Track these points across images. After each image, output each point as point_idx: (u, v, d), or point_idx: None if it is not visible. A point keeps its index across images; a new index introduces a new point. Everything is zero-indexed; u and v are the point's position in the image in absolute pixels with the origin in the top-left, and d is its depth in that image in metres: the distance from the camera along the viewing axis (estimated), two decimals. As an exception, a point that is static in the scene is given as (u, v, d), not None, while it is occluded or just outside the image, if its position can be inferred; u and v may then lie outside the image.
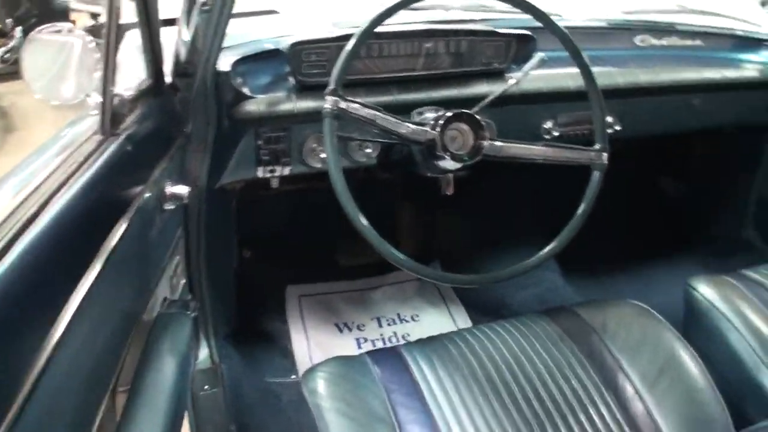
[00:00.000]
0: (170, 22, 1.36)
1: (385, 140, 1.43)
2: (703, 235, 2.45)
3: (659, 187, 2.65)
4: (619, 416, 1.21)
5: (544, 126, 1.64)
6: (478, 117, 1.28)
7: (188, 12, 1.33)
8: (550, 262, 1.97)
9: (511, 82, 1.43)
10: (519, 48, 1.59)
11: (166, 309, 1.27)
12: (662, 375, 1.26)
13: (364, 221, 1.17)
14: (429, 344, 1.34)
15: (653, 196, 2.64)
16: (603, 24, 1.88)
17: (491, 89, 1.46)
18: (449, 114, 1.27)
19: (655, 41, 1.91)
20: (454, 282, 1.34)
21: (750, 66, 2.04)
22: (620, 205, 2.43)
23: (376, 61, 1.51)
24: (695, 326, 1.53)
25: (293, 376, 1.88)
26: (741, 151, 2.30)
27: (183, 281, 1.50)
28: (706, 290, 1.52)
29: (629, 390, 1.24)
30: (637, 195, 2.57)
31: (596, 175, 1.33)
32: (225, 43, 1.31)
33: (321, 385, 1.23)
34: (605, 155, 1.34)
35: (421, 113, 1.41)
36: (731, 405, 1.25)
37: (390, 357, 1.32)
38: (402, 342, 2.01)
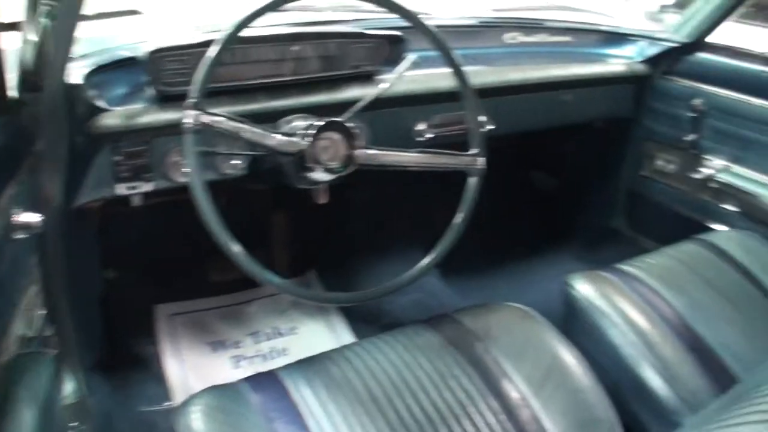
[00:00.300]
0: (12, 26, 1.26)
1: (253, 153, 1.39)
2: (578, 229, 2.53)
3: (533, 183, 2.73)
4: (506, 423, 1.21)
5: (418, 128, 1.64)
6: (349, 126, 1.26)
7: (31, 14, 1.22)
8: None
9: (383, 85, 1.41)
10: (390, 50, 1.57)
11: (22, 349, 1.18)
12: (547, 378, 1.27)
13: (232, 245, 1.13)
14: (309, 365, 1.30)
15: (528, 192, 2.71)
16: (473, 22, 1.90)
17: (363, 93, 1.44)
18: (319, 123, 1.24)
19: (524, 38, 1.95)
20: (332, 302, 1.32)
21: (616, 60, 2.13)
22: (497, 203, 2.48)
23: (242, 67, 1.45)
24: (576, 324, 1.55)
25: (168, 403, 1.79)
26: (610, 144, 2.39)
27: (42, 313, 1.40)
28: (583, 287, 1.55)
29: (515, 396, 1.25)
30: (512, 192, 2.63)
31: (473, 181, 1.34)
32: (78, 50, 1.23)
33: (195, 420, 1.16)
34: (481, 160, 1.35)
35: (289, 122, 1.37)
36: (616, 401, 1.28)
37: (269, 383, 1.27)
38: (281, 356, 1.97)
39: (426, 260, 1.31)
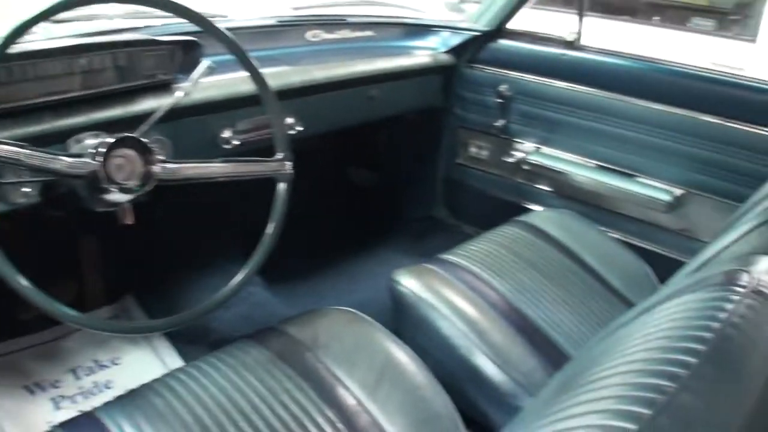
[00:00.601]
0: None
1: (41, 179, 1.29)
2: (401, 222, 2.57)
3: (352, 180, 2.75)
4: None
5: (223, 136, 1.60)
6: (144, 140, 1.19)
7: None
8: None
9: (179, 94, 1.36)
10: (184, 56, 1.51)
11: None
12: (382, 380, 1.27)
13: (20, 279, 1.05)
14: (131, 401, 1.22)
15: (348, 190, 2.73)
16: (272, 22, 1.88)
17: (159, 104, 1.37)
18: (110, 140, 1.17)
19: (327, 35, 1.95)
20: (142, 331, 1.26)
21: (421, 52, 2.18)
22: (317, 204, 2.48)
23: (23, 85, 1.33)
24: (406, 321, 1.57)
25: None
26: (424, 135, 2.45)
27: None
28: (409, 282, 1.56)
29: (351, 402, 1.23)
30: (332, 191, 2.64)
31: (282, 187, 1.32)
32: None
33: None
34: (288, 164, 1.33)
35: (79, 141, 1.28)
36: (455, 393, 1.30)
37: (87, 426, 1.17)
38: (106, 390, 1.86)
39: (241, 276, 1.28)
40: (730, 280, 0.72)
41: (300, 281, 2.22)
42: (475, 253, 1.69)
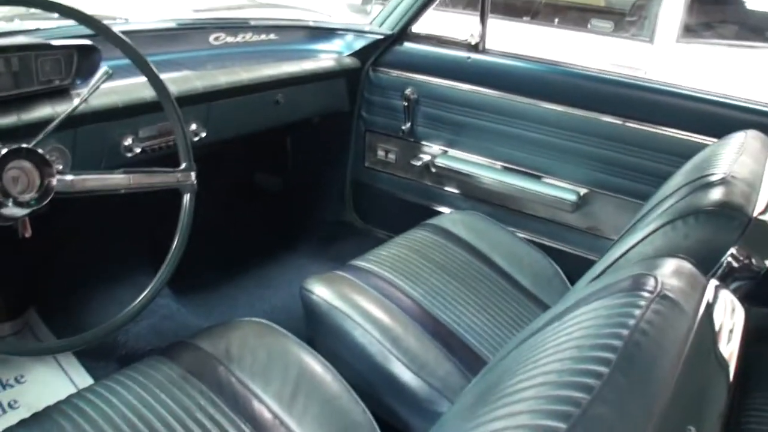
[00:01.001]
0: None
1: None
2: (312, 227, 2.58)
3: (260, 186, 2.75)
4: None
5: (125, 144, 1.57)
6: (40, 150, 1.16)
7: None
8: None
9: (77, 100, 1.32)
10: (82, 61, 1.48)
11: None
12: (297, 392, 1.27)
13: None
14: (37, 424, 1.17)
15: (256, 196, 2.72)
16: (173, 25, 1.85)
17: (56, 111, 1.34)
18: (3, 152, 1.13)
19: (230, 39, 1.95)
20: (44, 352, 1.22)
21: (326, 56, 2.20)
22: (225, 211, 2.47)
23: None
24: (320, 330, 1.58)
25: None
26: (331, 138, 2.47)
27: None
28: (321, 290, 1.57)
29: (267, 416, 1.23)
30: (240, 198, 2.63)
31: (187, 198, 1.31)
32: None
33: None
34: (193, 174, 1.32)
35: (-29, 153, 1.25)
36: (373, 402, 1.32)
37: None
38: (12, 410, 1.81)
39: (148, 289, 1.27)
40: (636, 285, 0.76)
41: (211, 291, 2.20)
42: (386, 259, 1.71)
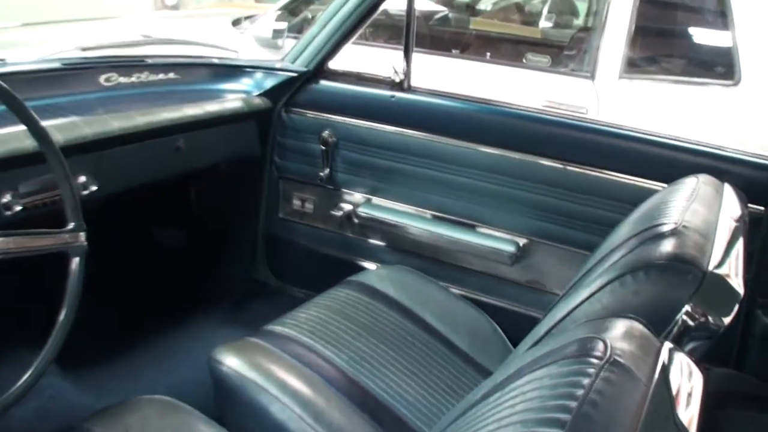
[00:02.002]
0: None
1: None
2: (221, 288, 2.56)
3: (161, 242, 2.71)
4: None
5: (3, 201, 1.54)
6: None
7: None
8: None
9: None
10: None
11: None
12: None
13: None
14: None
15: (156, 254, 2.68)
16: (57, 65, 1.84)
17: None
18: None
19: (123, 79, 1.94)
20: None
21: (232, 96, 2.20)
22: (120, 274, 2.42)
23: None
24: (232, 406, 1.55)
25: None
26: (240, 187, 2.46)
27: None
28: (232, 361, 1.54)
29: None
30: (138, 257, 2.59)
31: (76, 262, 1.29)
32: None
33: None
34: (83, 234, 1.30)
35: None
36: None
37: None
38: None
39: (32, 369, 1.24)
40: (583, 350, 0.77)
41: (105, 366, 2.15)
42: (305, 322, 1.70)
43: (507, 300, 2.08)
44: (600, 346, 0.76)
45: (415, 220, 2.16)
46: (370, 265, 2.24)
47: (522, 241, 2.01)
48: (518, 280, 2.06)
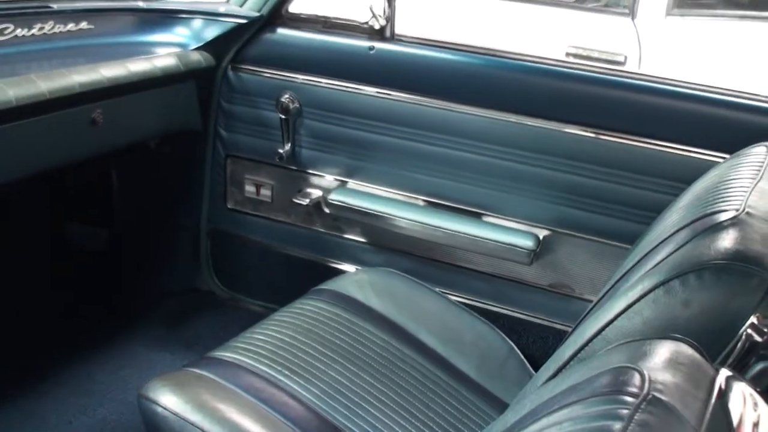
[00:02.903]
0: None
1: None
2: (153, 300, 2.55)
3: (75, 243, 2.70)
4: None
5: None
6: None
7: None
8: None
9: None
10: None
11: None
12: None
13: None
14: None
15: (69, 258, 2.67)
16: None
17: None
18: None
19: (22, 31, 1.93)
20: None
21: (164, 51, 2.18)
22: (21, 286, 2.41)
23: None
24: (167, 456, 1.55)
25: None
26: (179, 169, 2.46)
27: None
28: (168, 398, 1.52)
29: None
30: (44, 263, 2.58)
31: None
32: None
33: None
34: None
35: None
36: None
37: None
38: None
39: None
40: (616, 384, 0.76)
41: (9, 407, 2.14)
42: (261, 345, 1.69)
43: (524, 309, 2.08)
44: (636, 379, 0.75)
45: (403, 209, 2.15)
46: (346, 268, 2.24)
47: (543, 234, 2.01)
48: (539, 283, 2.06)
